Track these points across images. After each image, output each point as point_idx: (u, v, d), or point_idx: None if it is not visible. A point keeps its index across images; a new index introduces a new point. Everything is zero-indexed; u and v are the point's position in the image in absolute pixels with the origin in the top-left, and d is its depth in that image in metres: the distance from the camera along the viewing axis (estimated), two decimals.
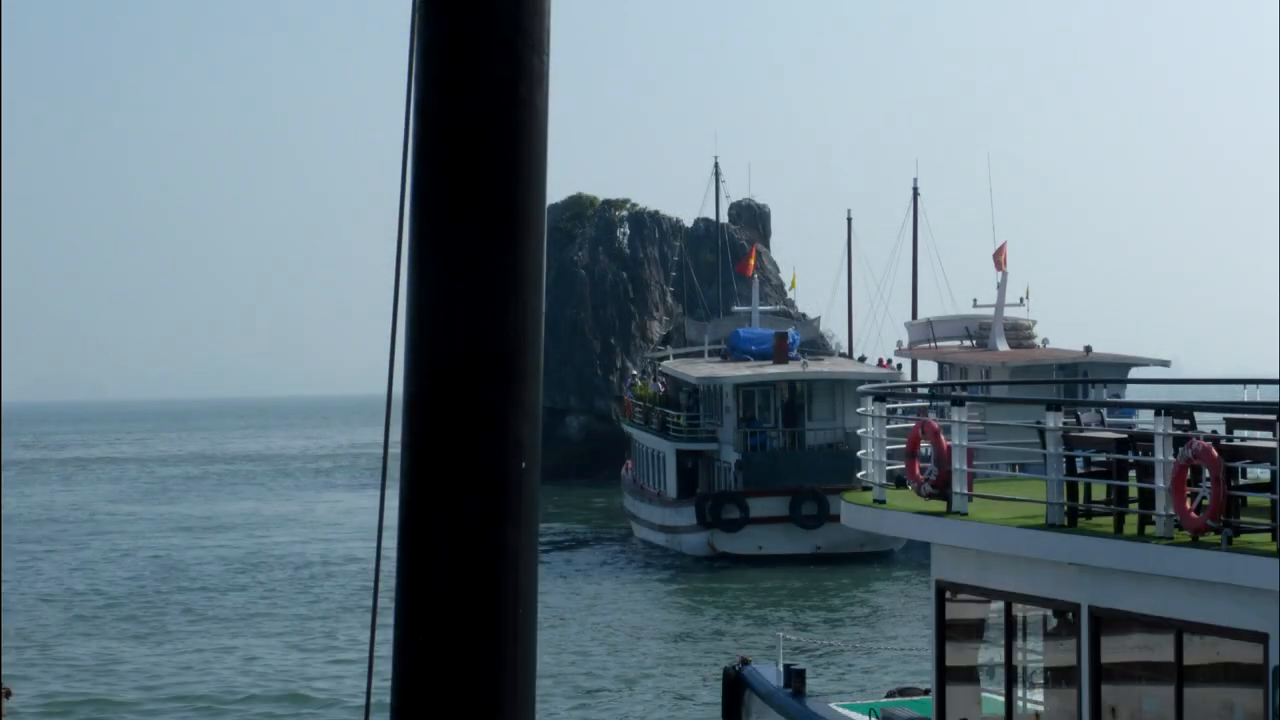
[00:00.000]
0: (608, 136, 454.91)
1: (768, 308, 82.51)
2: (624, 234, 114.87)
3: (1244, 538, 15.36)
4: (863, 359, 73.89)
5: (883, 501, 19.86)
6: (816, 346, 79.09)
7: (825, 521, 60.27)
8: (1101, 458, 17.83)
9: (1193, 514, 15.54)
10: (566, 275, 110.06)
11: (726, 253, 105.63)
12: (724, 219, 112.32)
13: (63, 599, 56.02)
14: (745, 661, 25.46)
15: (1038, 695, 18.94)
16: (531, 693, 4.23)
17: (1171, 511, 15.78)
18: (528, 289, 4.18)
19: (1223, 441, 16.00)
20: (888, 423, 20.58)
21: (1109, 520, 17.04)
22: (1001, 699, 18.93)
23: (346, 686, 39.29)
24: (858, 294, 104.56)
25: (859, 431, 21.67)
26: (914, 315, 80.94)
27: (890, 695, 24.81)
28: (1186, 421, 16.82)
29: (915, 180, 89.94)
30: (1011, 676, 18.59)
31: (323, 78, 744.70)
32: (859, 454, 21.35)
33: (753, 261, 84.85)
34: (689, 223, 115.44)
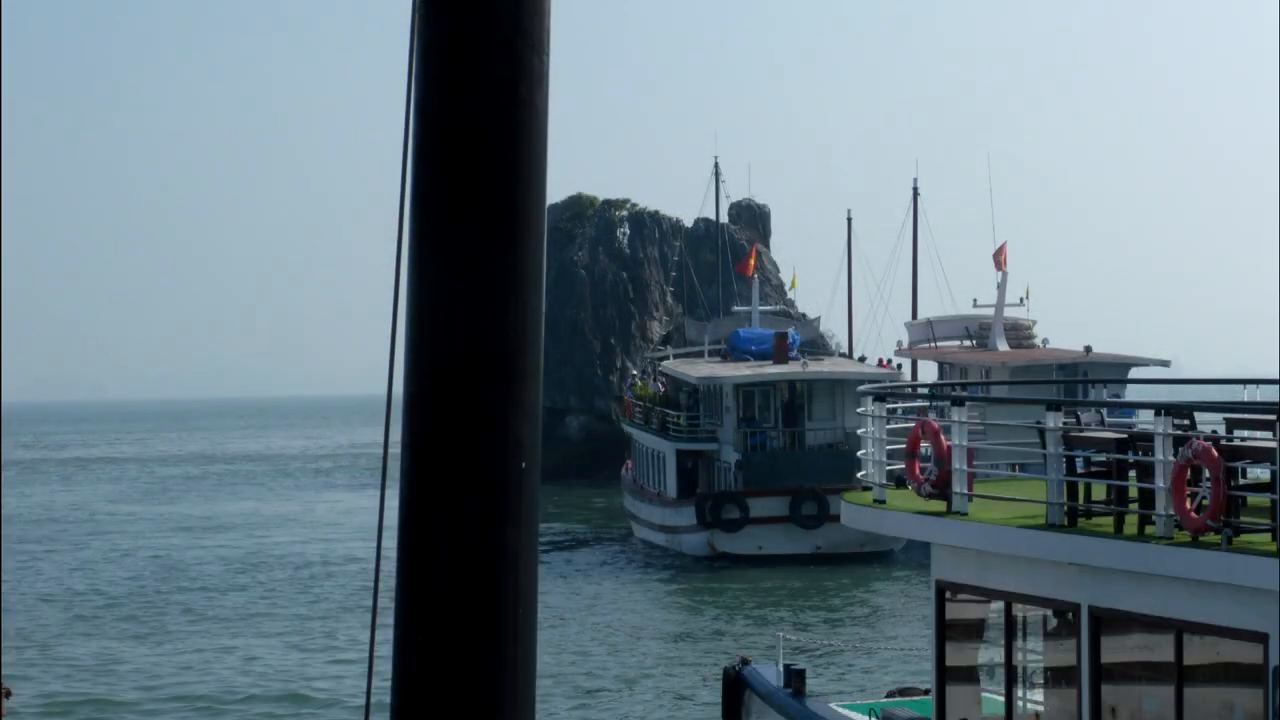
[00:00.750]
0: (608, 136, 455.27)
1: (768, 308, 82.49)
2: (624, 234, 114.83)
3: (1244, 538, 15.35)
4: (863, 359, 73.87)
5: (883, 501, 19.86)
6: (816, 346, 79.07)
7: (825, 521, 60.25)
8: (1101, 458, 17.83)
9: (1193, 514, 15.53)
10: (566, 275, 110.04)
11: (726, 253, 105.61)
12: (724, 219, 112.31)
13: (63, 599, 56.00)
14: (745, 661, 25.44)
15: (1038, 695, 18.94)
16: (531, 693, 4.23)
17: (1171, 511, 15.77)
18: (528, 289, 4.18)
19: (1223, 441, 16.00)
20: (888, 423, 20.58)
21: (1109, 520, 17.03)
22: (1001, 699, 18.92)
23: (346, 686, 39.28)
24: (858, 294, 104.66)
25: (859, 431, 21.66)
26: (914, 315, 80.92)
27: (890, 695, 24.80)
28: (1186, 421, 16.81)
29: (915, 180, 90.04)
30: (1011, 676, 18.59)
31: (323, 78, 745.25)
32: (859, 454, 21.34)
33: (753, 261, 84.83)
34: (689, 223, 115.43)
